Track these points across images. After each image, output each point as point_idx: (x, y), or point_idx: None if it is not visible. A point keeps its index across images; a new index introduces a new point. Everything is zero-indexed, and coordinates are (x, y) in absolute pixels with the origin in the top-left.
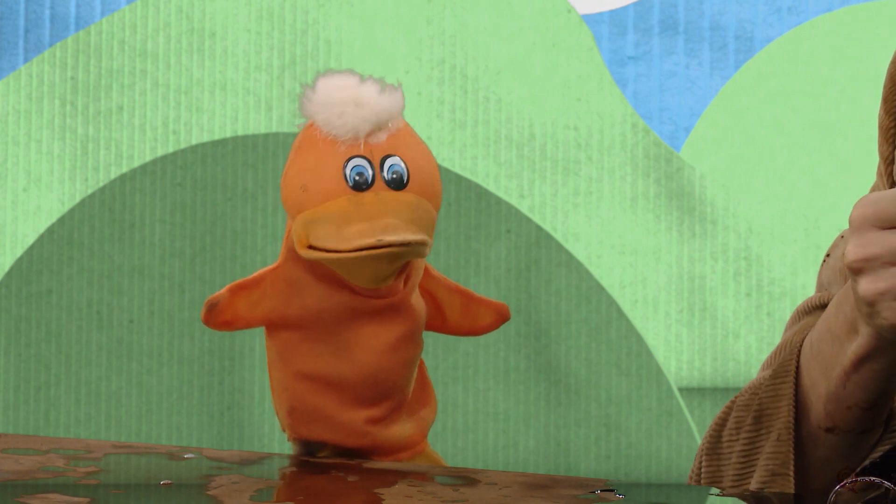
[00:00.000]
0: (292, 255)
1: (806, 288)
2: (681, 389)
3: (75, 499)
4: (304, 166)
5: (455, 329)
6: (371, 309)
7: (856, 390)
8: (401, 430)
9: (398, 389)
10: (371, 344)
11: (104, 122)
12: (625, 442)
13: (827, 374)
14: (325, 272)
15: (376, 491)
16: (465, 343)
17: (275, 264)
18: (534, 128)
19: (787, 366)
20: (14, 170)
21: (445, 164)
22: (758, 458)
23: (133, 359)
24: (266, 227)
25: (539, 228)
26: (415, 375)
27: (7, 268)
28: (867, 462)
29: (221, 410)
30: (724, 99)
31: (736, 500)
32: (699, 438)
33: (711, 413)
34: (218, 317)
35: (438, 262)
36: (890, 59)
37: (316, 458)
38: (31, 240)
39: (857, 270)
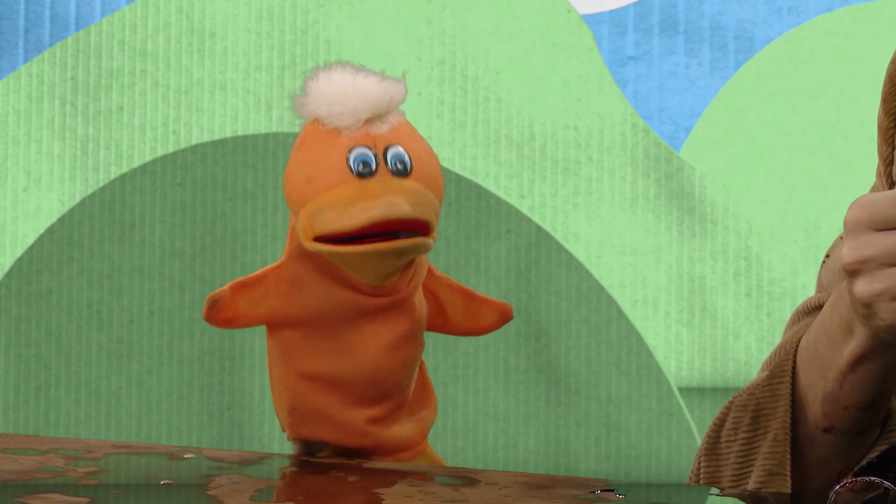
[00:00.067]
0: (295, 253)
1: (806, 288)
2: (681, 389)
3: (75, 499)
4: (308, 159)
5: (457, 329)
6: (373, 308)
7: (852, 391)
8: (401, 430)
9: (399, 389)
10: (372, 343)
11: (104, 122)
12: (625, 442)
13: (823, 374)
14: (328, 270)
15: (376, 491)
16: (466, 343)
17: (277, 263)
18: (534, 128)
19: (783, 366)
20: (14, 170)
21: (445, 164)
22: (755, 459)
23: (133, 359)
24: (266, 227)
25: (539, 228)
26: (415, 375)
27: (7, 268)
28: (864, 462)
29: (221, 410)
30: (724, 99)
31: (735, 500)
32: (699, 438)
33: (711, 413)
34: (219, 314)
35: (438, 262)
36: (889, 59)
37: (316, 458)
38: (31, 240)
39: (852, 272)
